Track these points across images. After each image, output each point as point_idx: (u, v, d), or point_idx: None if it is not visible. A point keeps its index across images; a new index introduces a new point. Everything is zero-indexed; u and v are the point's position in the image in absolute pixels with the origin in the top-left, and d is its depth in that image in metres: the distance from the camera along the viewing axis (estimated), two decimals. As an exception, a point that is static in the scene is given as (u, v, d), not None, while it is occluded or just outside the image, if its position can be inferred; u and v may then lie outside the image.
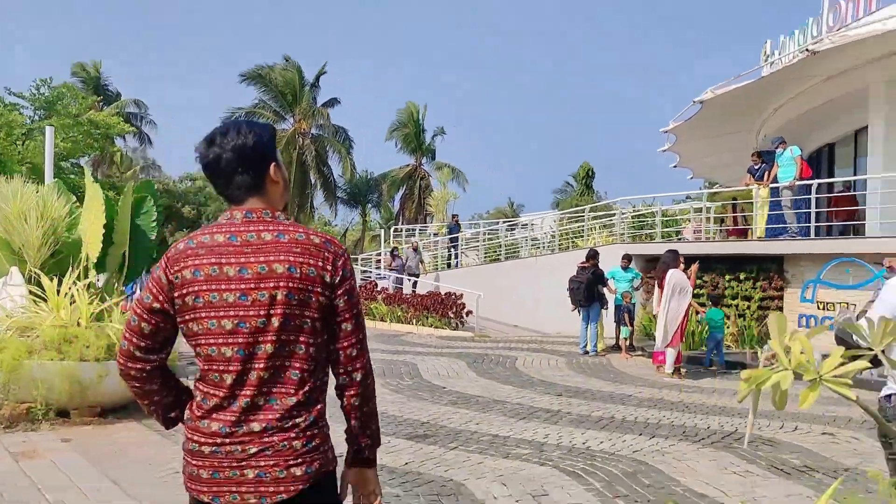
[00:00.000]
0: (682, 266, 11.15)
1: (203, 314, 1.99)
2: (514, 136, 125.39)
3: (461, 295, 18.33)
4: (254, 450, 1.97)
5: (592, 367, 12.07)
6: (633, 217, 20.62)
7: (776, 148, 14.25)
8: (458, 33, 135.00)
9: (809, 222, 13.75)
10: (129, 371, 2.10)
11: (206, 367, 2.03)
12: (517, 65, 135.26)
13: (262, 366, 1.99)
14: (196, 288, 1.99)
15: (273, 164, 2.11)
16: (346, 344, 2.08)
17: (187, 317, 2.02)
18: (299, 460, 1.99)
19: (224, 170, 2.07)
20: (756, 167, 15.05)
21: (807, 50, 14.02)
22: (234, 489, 1.98)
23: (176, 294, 2.02)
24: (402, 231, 32.61)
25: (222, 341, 1.99)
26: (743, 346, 13.63)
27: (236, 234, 2.02)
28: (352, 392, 2.10)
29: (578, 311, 13.62)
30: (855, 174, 17.85)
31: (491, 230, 27.70)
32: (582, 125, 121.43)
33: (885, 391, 3.42)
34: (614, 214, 20.33)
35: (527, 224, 30.16)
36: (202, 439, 2.01)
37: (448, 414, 8.27)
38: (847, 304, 12.30)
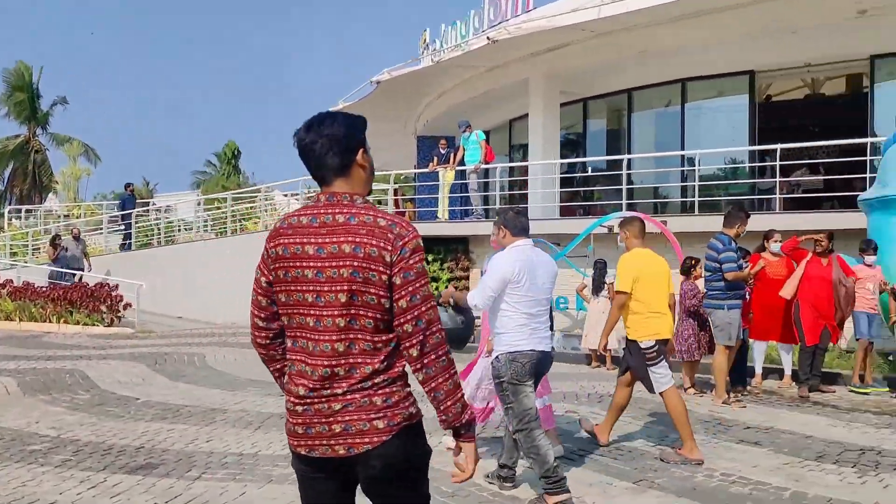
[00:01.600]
0: None
1: (292, 287, 2.24)
2: (149, 111, 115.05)
3: (116, 286, 15.71)
4: (338, 406, 2.19)
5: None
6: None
7: (463, 131, 14.53)
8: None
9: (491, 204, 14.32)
10: (255, 339, 2.41)
11: (294, 335, 2.27)
12: (156, 31, 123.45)
13: (336, 338, 2.19)
14: (285, 263, 2.25)
15: (362, 149, 2.31)
16: (402, 321, 2.19)
17: (278, 289, 2.29)
18: (380, 414, 2.19)
19: (318, 153, 2.27)
20: (442, 151, 15.21)
21: (487, 38, 14.46)
22: (324, 442, 2.20)
23: (272, 268, 2.29)
24: (22, 213, 27.53)
25: (305, 312, 2.23)
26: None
27: (317, 217, 2.25)
28: (413, 368, 2.22)
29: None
30: (510, 161, 19.29)
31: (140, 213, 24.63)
32: (228, 101, 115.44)
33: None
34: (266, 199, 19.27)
35: (170, 206, 27.66)
36: (295, 400, 2.24)
37: (162, 433, 6.58)
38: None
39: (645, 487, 4.77)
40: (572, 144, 18.56)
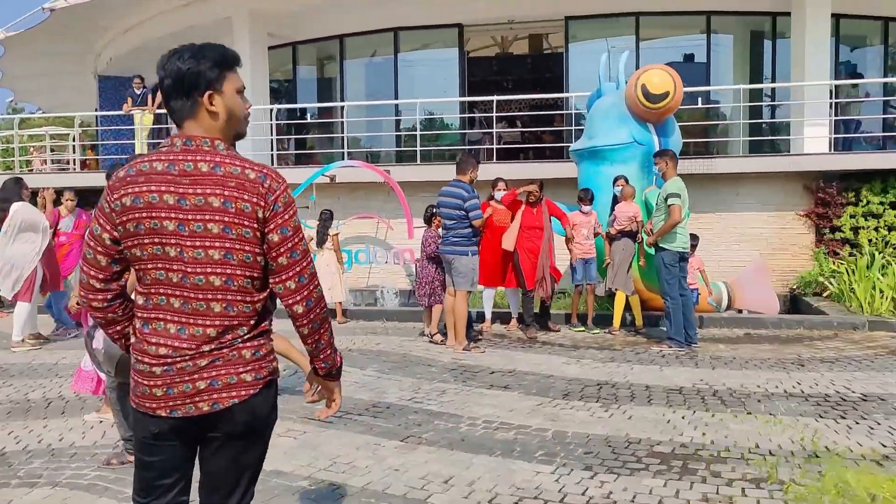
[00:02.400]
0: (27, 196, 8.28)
1: (147, 240, 2.06)
2: None
3: None
4: (204, 362, 2.08)
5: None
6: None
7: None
8: None
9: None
10: (91, 302, 2.20)
11: (151, 292, 2.11)
12: None
13: (211, 297, 2.06)
14: (137, 215, 2.05)
15: (209, 92, 2.10)
16: (283, 277, 2.11)
17: (129, 243, 2.09)
18: (248, 367, 2.12)
19: (166, 92, 2.12)
20: (138, 92, 13.52)
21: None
22: (187, 401, 2.08)
23: (118, 221, 2.08)
24: None
25: (166, 267, 2.07)
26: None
27: (174, 163, 2.06)
28: (297, 324, 2.17)
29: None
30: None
31: None
32: None
33: None
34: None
35: None
36: (151, 361, 2.09)
37: None
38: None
39: (414, 444, 4.53)
40: (282, 91, 17.72)
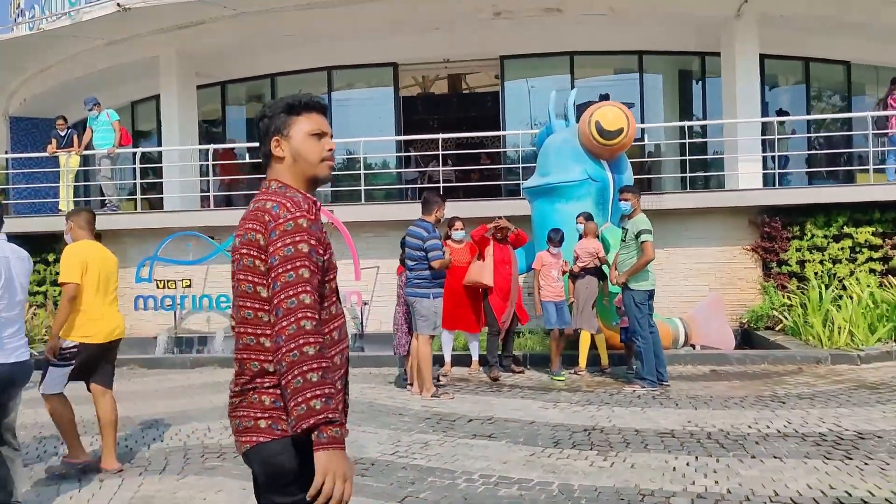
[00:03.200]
0: None
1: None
2: None
3: None
4: (235, 401, 2.14)
5: None
6: None
7: (90, 110, 12.36)
8: None
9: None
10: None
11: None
12: None
13: (239, 330, 2.14)
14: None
15: (276, 137, 2.22)
16: (270, 309, 2.06)
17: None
18: (266, 414, 2.07)
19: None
20: (62, 133, 12.77)
21: (118, 4, 12.48)
22: (236, 440, 2.15)
23: None
24: None
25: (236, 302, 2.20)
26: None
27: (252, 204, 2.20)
28: (276, 358, 2.03)
29: None
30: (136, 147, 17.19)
31: None
32: None
33: None
34: None
35: None
36: None
37: None
38: (189, 280, 11.51)
39: (412, 506, 4.20)
40: (211, 130, 17.16)
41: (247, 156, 15.58)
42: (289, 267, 2.01)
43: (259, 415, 2.06)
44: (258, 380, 2.07)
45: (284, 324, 1.98)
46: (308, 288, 2.01)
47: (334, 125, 14.35)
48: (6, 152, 19.53)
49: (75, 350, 4.97)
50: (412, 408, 6.73)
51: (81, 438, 5.24)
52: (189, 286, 11.44)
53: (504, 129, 14.50)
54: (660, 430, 5.60)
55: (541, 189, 9.31)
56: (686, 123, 13.11)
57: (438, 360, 8.66)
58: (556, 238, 8.15)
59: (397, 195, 14.92)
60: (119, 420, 6.30)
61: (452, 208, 10.47)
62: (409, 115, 15.57)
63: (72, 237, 5.27)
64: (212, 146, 12.86)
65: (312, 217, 2.12)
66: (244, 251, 2.09)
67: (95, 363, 5.13)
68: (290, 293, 2.00)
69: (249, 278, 2.08)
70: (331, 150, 2.24)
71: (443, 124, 15.69)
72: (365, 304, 11.22)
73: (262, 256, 2.06)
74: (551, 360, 8.11)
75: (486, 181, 14.50)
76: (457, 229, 8.55)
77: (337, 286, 2.26)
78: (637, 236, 7.14)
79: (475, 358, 8.67)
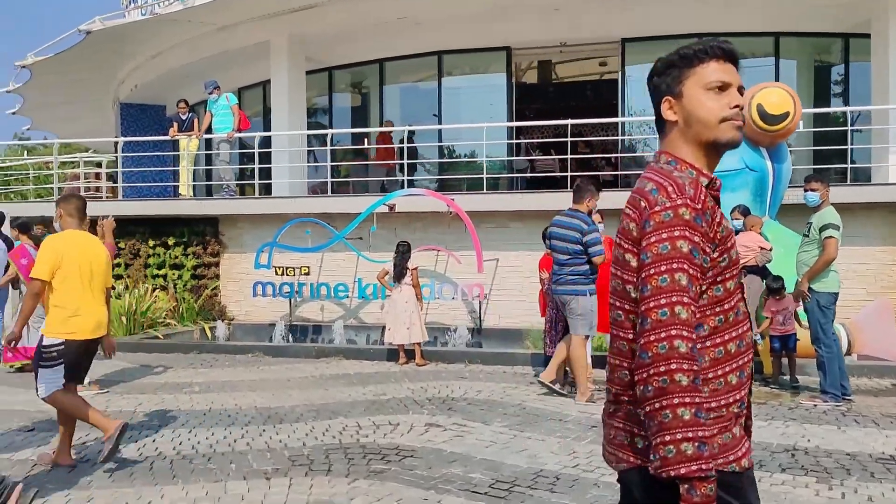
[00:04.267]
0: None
1: None
2: None
3: None
4: (612, 408, 1.85)
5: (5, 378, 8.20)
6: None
7: (210, 93, 12.30)
8: None
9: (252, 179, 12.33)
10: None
11: None
12: None
13: (612, 331, 1.84)
14: None
15: (665, 98, 1.84)
16: (638, 312, 1.69)
17: None
18: (643, 433, 1.70)
19: None
20: (183, 116, 12.77)
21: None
22: (607, 448, 1.88)
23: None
24: None
25: None
26: (183, 322, 11.39)
27: None
28: (639, 376, 1.65)
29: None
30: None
31: None
32: None
33: None
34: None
35: None
36: None
37: None
38: (308, 268, 11.32)
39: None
40: (317, 116, 17.02)
41: (364, 142, 15.26)
42: (662, 268, 1.64)
43: (636, 431, 1.74)
44: (630, 392, 1.75)
45: (652, 338, 1.62)
46: (685, 298, 1.62)
47: (444, 112, 14.11)
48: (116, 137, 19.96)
49: (61, 348, 4.75)
50: (570, 413, 6.24)
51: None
52: (307, 273, 11.25)
53: (623, 117, 13.85)
54: (877, 455, 4.94)
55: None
56: (841, 109, 12.14)
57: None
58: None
59: (508, 185, 14.41)
60: (261, 411, 6.07)
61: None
62: (522, 102, 15.02)
63: (60, 226, 5.03)
64: (330, 131, 12.60)
65: (698, 207, 1.68)
66: (618, 240, 1.80)
67: (83, 360, 4.95)
68: (662, 302, 1.63)
69: (619, 273, 1.78)
70: (737, 106, 1.77)
71: (558, 111, 15.10)
72: (477, 297, 10.75)
73: (634, 250, 1.73)
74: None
75: (602, 172, 13.83)
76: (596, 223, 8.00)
77: (740, 287, 1.79)
78: (820, 231, 6.40)
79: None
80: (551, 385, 6.88)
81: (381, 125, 15.48)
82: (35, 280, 4.73)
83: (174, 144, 12.63)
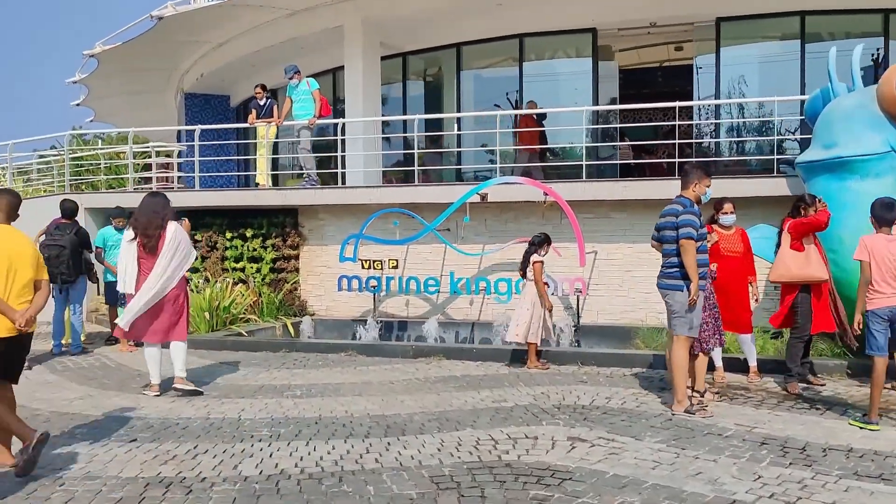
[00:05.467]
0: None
1: None
2: None
3: None
4: None
5: (93, 374, 7.78)
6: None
7: (290, 79, 11.80)
8: None
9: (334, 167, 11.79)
10: None
11: None
12: None
13: None
14: None
15: None
16: None
17: None
18: None
19: None
20: (261, 102, 12.30)
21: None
22: None
23: None
24: None
25: None
26: (264, 317, 10.92)
27: None
28: None
29: (56, 290, 8.99)
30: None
31: None
32: None
33: None
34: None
35: None
36: None
37: None
38: (396, 261, 10.76)
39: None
40: (390, 103, 16.45)
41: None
42: None
43: None
44: None
45: None
46: None
47: (525, 96, 13.36)
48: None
49: None
50: (727, 426, 5.51)
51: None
52: (395, 267, 10.69)
53: (719, 98, 12.99)
54: None
55: (825, 164, 7.81)
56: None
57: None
58: (890, 216, 5.84)
59: (596, 174, 13.61)
60: (376, 419, 5.52)
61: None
62: (609, 86, 14.20)
63: None
64: (418, 116, 11.95)
65: None
66: None
67: (6, 358, 4.66)
68: None
69: None
70: None
71: (647, 97, 14.28)
72: (578, 292, 10.02)
73: None
74: (870, 403, 5.65)
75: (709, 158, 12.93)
76: (725, 213, 7.25)
77: None
78: None
79: (752, 364, 7.32)
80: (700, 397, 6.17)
81: (458, 111, 14.87)
82: None
83: (240, 133, 12.19)
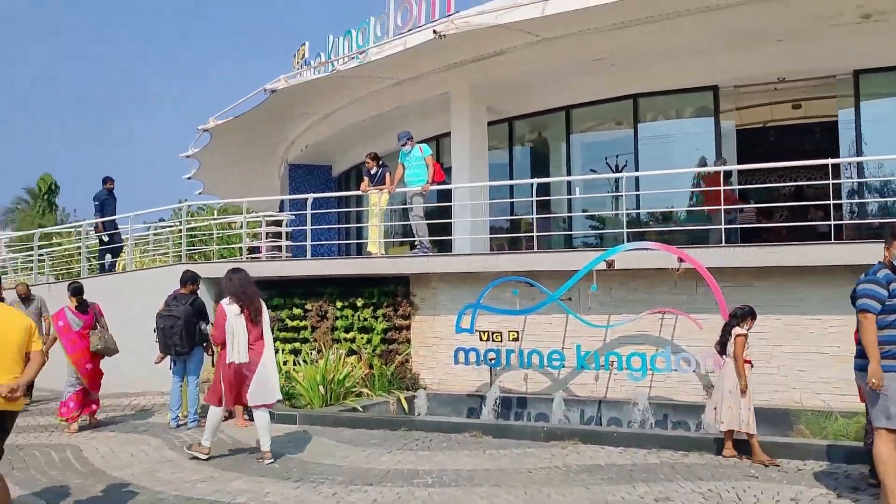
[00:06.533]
0: None
1: None
2: None
3: None
4: None
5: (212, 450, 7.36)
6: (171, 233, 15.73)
7: (403, 145, 11.56)
8: None
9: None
10: None
11: None
12: None
13: None
14: None
15: None
16: None
17: None
18: None
19: None
20: (372, 171, 12.07)
21: (434, 31, 11.62)
22: None
23: None
24: None
25: None
26: (376, 391, 10.39)
27: None
28: None
29: (172, 362, 8.76)
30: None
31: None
32: (42, 129, 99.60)
33: None
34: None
35: None
36: None
37: None
38: (517, 332, 10.12)
39: None
40: (495, 169, 16.06)
41: (576, 189, 14.06)
42: None
43: None
44: None
45: None
46: None
47: (641, 160, 12.68)
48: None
49: None
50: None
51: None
52: (516, 339, 10.03)
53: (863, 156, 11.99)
54: None
55: None
56: None
57: None
58: None
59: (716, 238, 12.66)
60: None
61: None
62: (730, 147, 13.40)
63: None
64: (534, 180, 11.42)
65: None
66: None
67: None
68: None
69: None
70: None
71: (774, 156, 13.38)
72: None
73: None
74: None
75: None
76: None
77: None
78: None
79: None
80: None
81: (567, 174, 14.32)
82: None
83: (342, 202, 11.96)
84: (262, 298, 7.40)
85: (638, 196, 13.17)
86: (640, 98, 13.83)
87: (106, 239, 13.98)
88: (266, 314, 7.37)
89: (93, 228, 14.38)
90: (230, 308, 7.14)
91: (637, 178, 12.90)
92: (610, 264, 9.66)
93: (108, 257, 14.24)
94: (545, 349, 9.87)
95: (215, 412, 7.19)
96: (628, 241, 10.21)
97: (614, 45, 12.21)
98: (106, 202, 13.97)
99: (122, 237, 14.23)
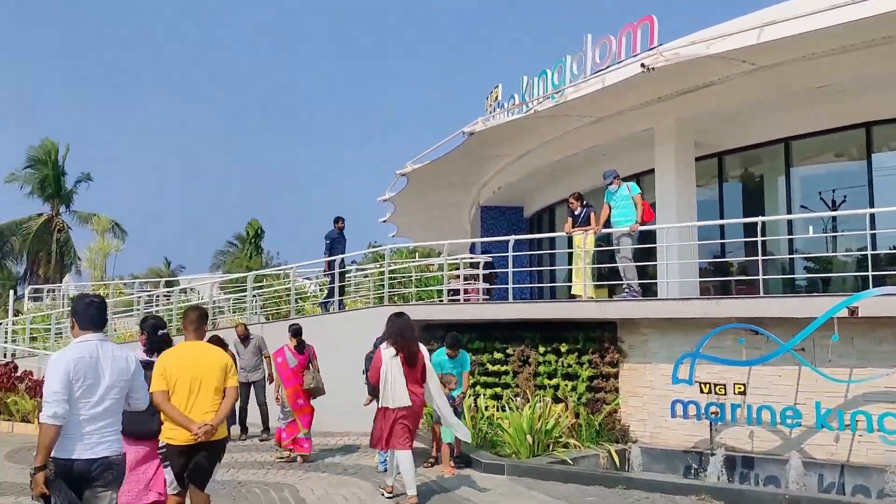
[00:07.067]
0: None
1: None
2: (172, 188, 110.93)
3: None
4: None
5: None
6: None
7: (609, 184, 11.09)
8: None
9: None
10: None
11: None
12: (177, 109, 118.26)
13: None
14: None
15: None
16: None
17: None
18: None
19: None
20: (576, 211, 11.67)
21: (641, 65, 11.11)
22: None
23: None
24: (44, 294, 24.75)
25: None
26: (584, 442, 9.82)
27: None
28: None
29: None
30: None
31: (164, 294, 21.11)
32: (254, 180, 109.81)
33: None
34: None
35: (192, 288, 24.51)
36: None
37: None
38: (743, 385, 9.21)
39: None
40: (703, 207, 15.09)
41: (810, 228, 12.91)
42: None
43: None
44: None
45: None
46: None
47: (876, 195, 11.29)
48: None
49: (164, 451, 5.14)
50: None
51: None
52: (742, 392, 9.12)
53: None
54: None
55: None
56: None
57: None
58: None
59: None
60: None
61: None
62: None
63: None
64: (761, 218, 10.45)
65: None
66: None
67: (183, 466, 5.15)
68: None
69: None
70: None
71: None
72: None
73: None
74: None
75: None
76: None
77: None
78: None
79: None
80: None
81: (787, 211, 13.11)
82: (154, 392, 4.93)
83: (533, 244, 11.55)
84: (460, 344, 7.78)
85: (874, 234, 11.76)
86: (872, 126, 12.46)
87: (328, 280, 14.38)
88: (427, 360, 7.37)
89: (323, 269, 14.90)
90: (386, 351, 7.23)
91: (873, 216, 11.54)
92: (853, 311, 8.55)
93: (333, 296, 14.44)
94: (777, 404, 8.86)
95: (405, 457, 7.09)
96: (868, 285, 9.03)
97: (839, 70, 11.12)
98: (336, 241, 14.35)
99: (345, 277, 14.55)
